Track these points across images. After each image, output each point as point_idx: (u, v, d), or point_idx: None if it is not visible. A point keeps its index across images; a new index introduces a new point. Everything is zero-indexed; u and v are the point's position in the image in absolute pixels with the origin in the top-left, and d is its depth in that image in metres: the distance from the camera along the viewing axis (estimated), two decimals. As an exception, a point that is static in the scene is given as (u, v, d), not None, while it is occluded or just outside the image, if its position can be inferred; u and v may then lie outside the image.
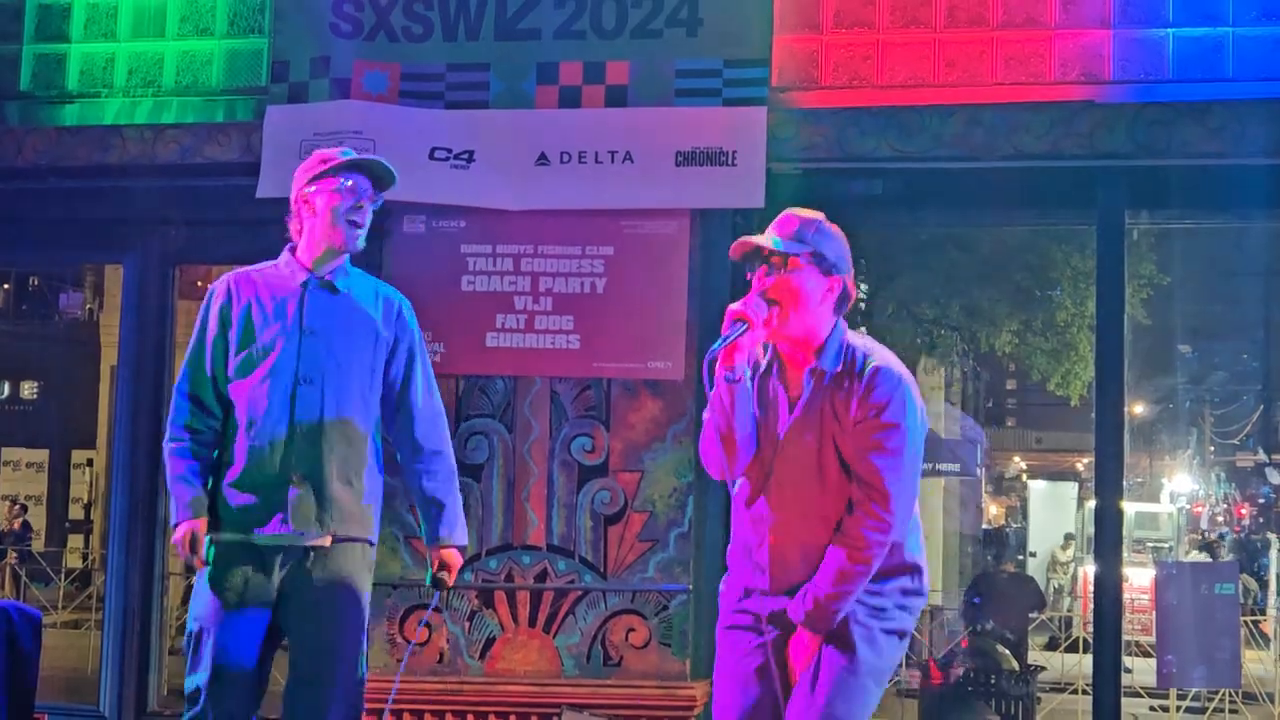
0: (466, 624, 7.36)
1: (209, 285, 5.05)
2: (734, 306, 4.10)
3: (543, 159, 7.35)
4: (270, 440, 4.79)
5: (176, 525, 4.74)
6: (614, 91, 7.38)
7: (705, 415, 4.20)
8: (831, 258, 4.16)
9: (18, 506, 22.76)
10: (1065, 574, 22.64)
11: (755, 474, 4.20)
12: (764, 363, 4.24)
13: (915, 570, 4.24)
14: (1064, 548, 22.98)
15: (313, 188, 4.90)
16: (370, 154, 7.34)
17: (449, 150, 7.41)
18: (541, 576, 7.34)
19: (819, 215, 4.24)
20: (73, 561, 18.72)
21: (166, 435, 4.87)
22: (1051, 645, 14.08)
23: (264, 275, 4.97)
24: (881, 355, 4.16)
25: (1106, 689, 7.24)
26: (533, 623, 7.32)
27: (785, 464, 4.15)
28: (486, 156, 7.40)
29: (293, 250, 4.98)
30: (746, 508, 4.23)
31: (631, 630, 7.28)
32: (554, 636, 7.30)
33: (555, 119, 7.42)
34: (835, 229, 4.24)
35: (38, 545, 20.71)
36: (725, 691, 4.28)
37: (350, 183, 4.91)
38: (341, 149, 5.07)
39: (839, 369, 4.12)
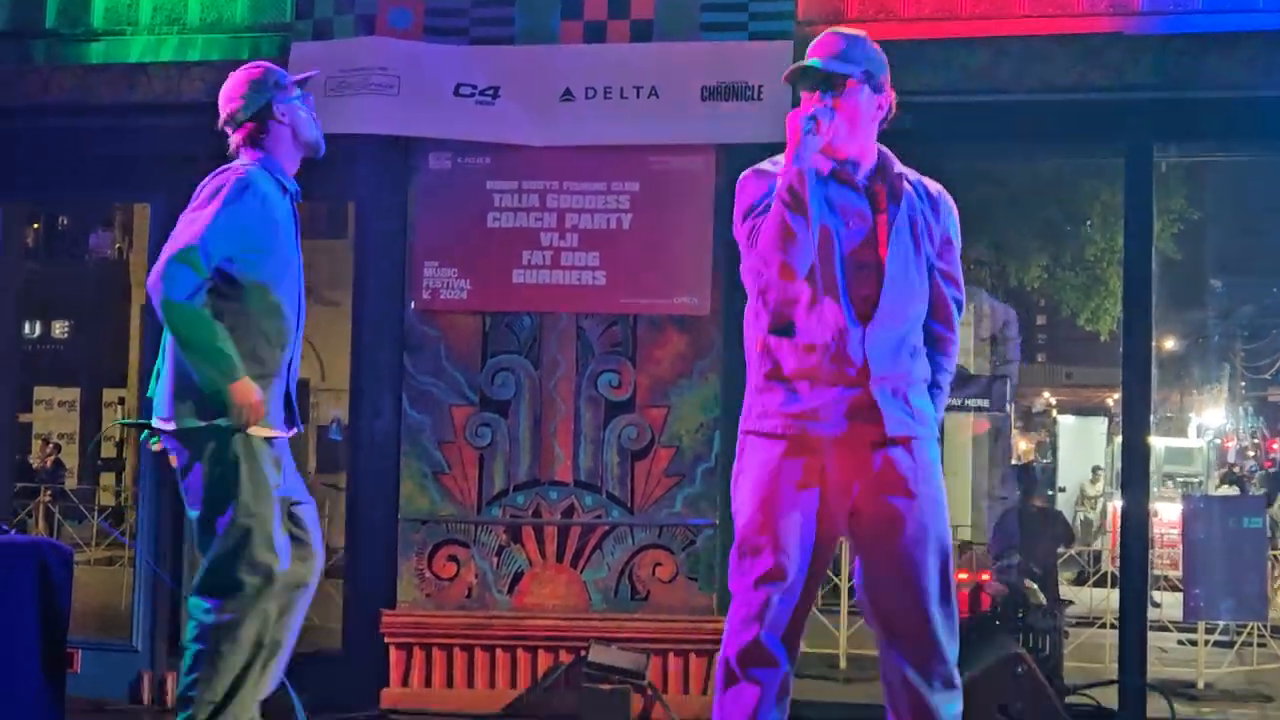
0: (495, 559, 7.40)
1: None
2: (797, 111, 4.10)
3: (568, 95, 7.33)
4: None
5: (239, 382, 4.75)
6: (639, 26, 7.36)
7: (758, 219, 4.12)
8: (879, 75, 4.19)
9: (50, 445, 22.92)
10: (1094, 508, 22.62)
11: (823, 276, 4.13)
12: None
13: None
14: (1093, 481, 22.95)
15: (280, 106, 5.07)
16: (395, 90, 7.40)
17: (474, 86, 7.40)
18: (569, 512, 7.37)
19: (861, 32, 4.26)
20: (105, 499, 18.82)
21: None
22: (1080, 580, 14.09)
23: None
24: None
25: (1132, 623, 7.25)
26: (560, 557, 7.37)
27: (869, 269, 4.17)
28: (511, 92, 7.39)
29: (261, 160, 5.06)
30: (809, 310, 4.16)
31: (658, 565, 7.31)
32: (581, 571, 7.34)
33: (580, 54, 7.40)
34: (876, 45, 4.26)
35: (70, 483, 20.86)
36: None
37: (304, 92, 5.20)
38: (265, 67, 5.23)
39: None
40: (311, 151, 5.15)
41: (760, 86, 7.12)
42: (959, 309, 4.29)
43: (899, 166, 4.23)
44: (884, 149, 4.24)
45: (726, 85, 7.18)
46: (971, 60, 7.15)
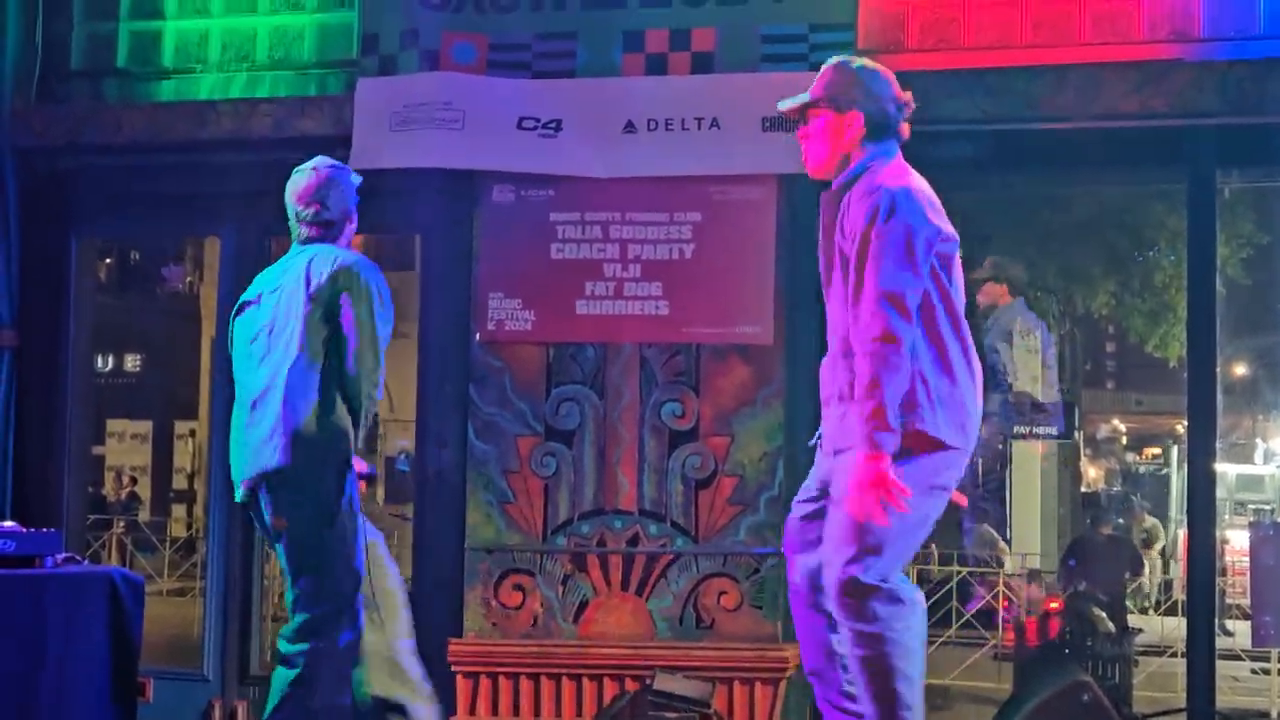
0: (560, 588, 7.44)
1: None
2: None
3: (630, 127, 7.39)
4: None
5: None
6: (700, 58, 7.41)
7: None
8: (844, 96, 4.52)
9: (126, 477, 23.16)
10: (1164, 537, 22.39)
11: None
12: None
13: None
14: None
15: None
16: (460, 124, 7.51)
17: (537, 119, 7.47)
18: (634, 540, 7.40)
19: (841, 60, 4.65)
20: (177, 531, 19.03)
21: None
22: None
23: None
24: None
25: (1200, 650, 7.20)
26: (625, 586, 7.39)
27: None
28: (574, 125, 7.45)
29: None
30: None
31: (723, 593, 7.33)
32: (646, 600, 7.37)
33: (642, 86, 7.45)
34: (856, 66, 4.61)
35: (143, 515, 21.07)
36: None
37: None
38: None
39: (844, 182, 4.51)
40: None
41: (821, 117, 7.15)
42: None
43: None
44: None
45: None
46: (1032, 88, 7.15)
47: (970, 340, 4.62)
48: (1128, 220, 15.51)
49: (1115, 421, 34.66)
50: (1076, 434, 19.47)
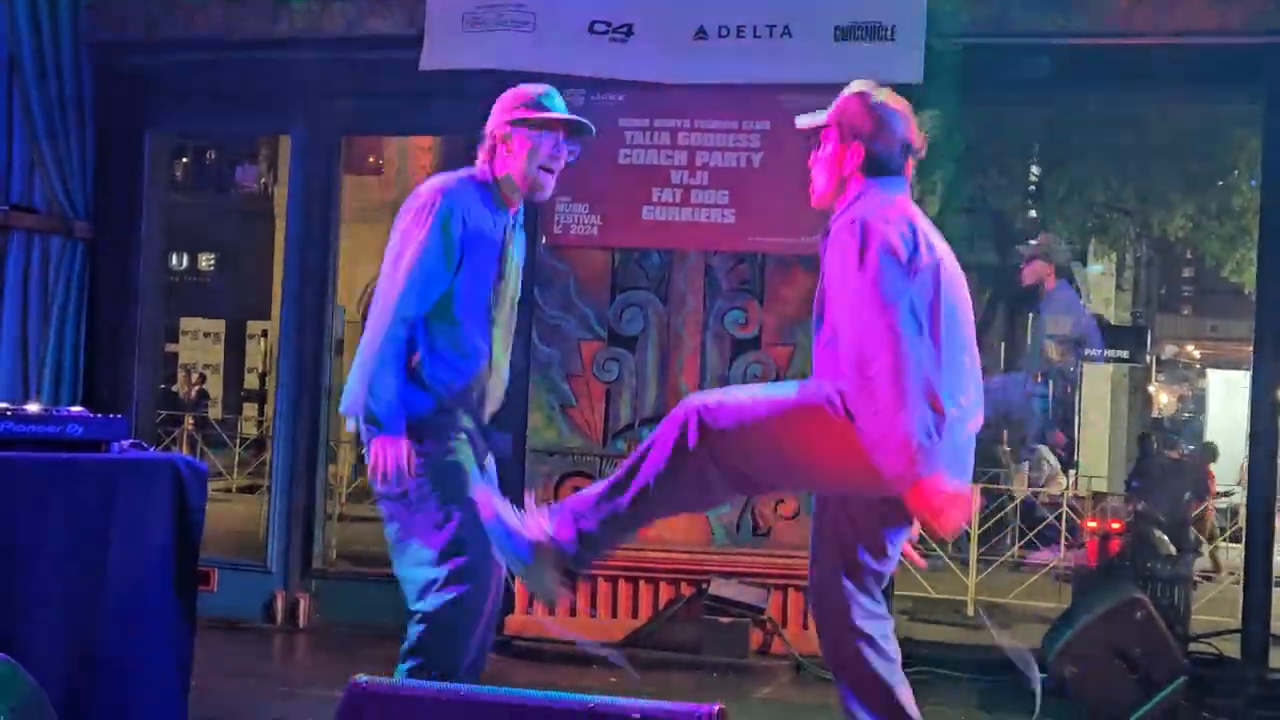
0: (619, 492, 7.48)
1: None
2: None
3: (701, 33, 7.35)
4: None
5: None
6: (774, -35, 7.35)
7: None
8: (849, 125, 4.27)
9: (196, 375, 23.44)
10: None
11: None
12: None
13: None
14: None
15: (512, 131, 4.71)
16: (531, 27, 7.42)
17: (608, 24, 7.45)
18: (693, 447, 7.41)
19: (862, 89, 4.31)
20: (248, 429, 19.26)
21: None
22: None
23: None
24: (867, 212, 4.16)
25: (1257, 574, 7.21)
26: (684, 492, 7.42)
27: None
28: (645, 30, 7.43)
29: (485, 177, 4.77)
30: None
31: (780, 502, 7.37)
32: (705, 506, 7.40)
33: (714, -8, 7.41)
34: (875, 101, 4.28)
35: (214, 413, 21.34)
36: None
37: (554, 141, 4.74)
38: (543, 91, 4.82)
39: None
40: None
41: (893, 27, 7.11)
42: None
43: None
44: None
45: (860, 25, 7.16)
46: (1109, 2, 7.06)
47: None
48: (1206, 142, 15.29)
49: (1189, 347, 34.38)
50: (1148, 358, 19.32)
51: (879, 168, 4.27)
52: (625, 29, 7.44)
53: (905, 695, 4.20)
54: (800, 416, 4.08)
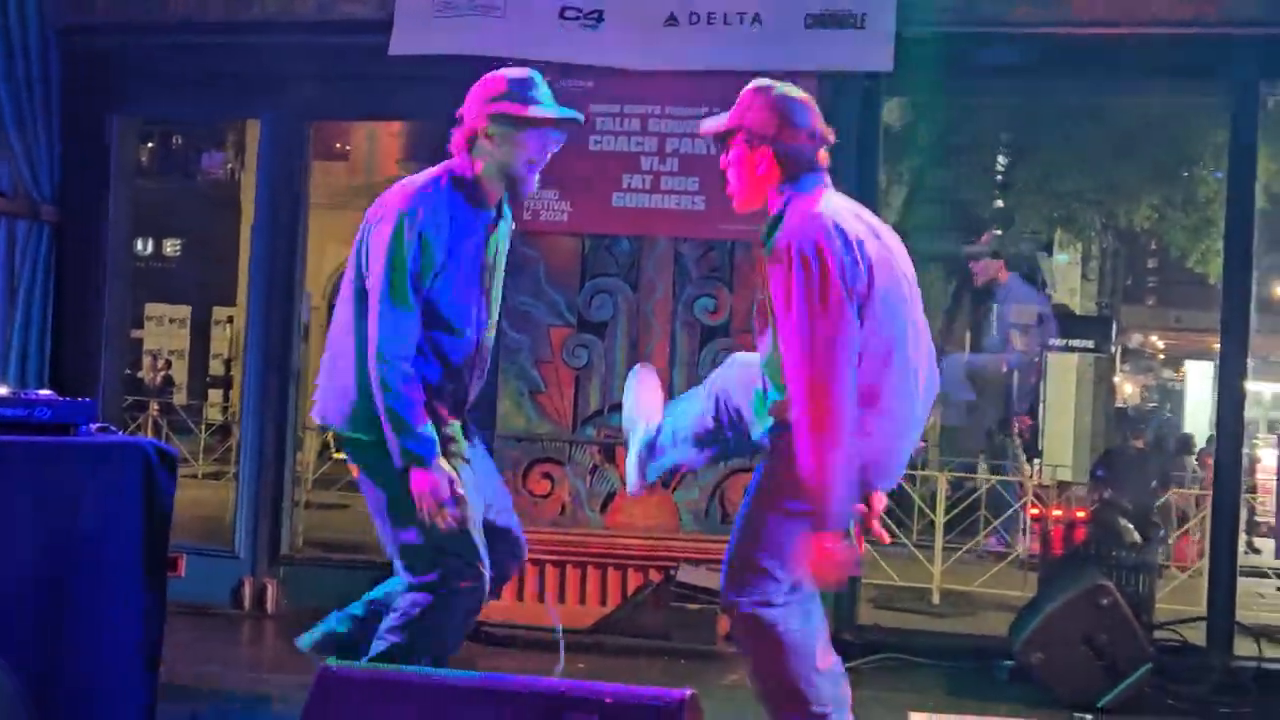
0: (588, 478, 7.50)
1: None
2: None
3: (671, 19, 7.36)
4: None
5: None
6: (744, -48, 7.35)
7: None
8: (757, 130, 4.27)
9: (161, 360, 23.34)
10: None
11: None
12: None
13: None
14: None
15: (497, 127, 4.55)
16: (501, 13, 7.39)
17: (579, 10, 7.44)
18: (662, 433, 7.42)
19: (759, 83, 4.36)
20: (213, 415, 19.19)
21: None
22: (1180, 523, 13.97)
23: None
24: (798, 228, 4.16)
25: (1221, 564, 7.26)
26: (652, 478, 7.43)
27: None
28: (616, 16, 7.43)
29: (464, 172, 4.63)
30: None
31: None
32: (673, 492, 7.41)
33: (685, -21, 7.41)
34: (776, 93, 4.32)
35: (179, 399, 21.25)
36: None
37: (542, 136, 4.62)
38: (525, 77, 4.63)
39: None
40: None
41: (863, 15, 7.13)
42: None
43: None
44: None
45: (830, 13, 7.17)
46: (1080, -9, 7.09)
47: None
48: (1172, 134, 15.36)
49: (1153, 337, 34.55)
50: (1113, 348, 19.41)
51: (792, 167, 4.24)
52: (596, 15, 7.43)
53: None
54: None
